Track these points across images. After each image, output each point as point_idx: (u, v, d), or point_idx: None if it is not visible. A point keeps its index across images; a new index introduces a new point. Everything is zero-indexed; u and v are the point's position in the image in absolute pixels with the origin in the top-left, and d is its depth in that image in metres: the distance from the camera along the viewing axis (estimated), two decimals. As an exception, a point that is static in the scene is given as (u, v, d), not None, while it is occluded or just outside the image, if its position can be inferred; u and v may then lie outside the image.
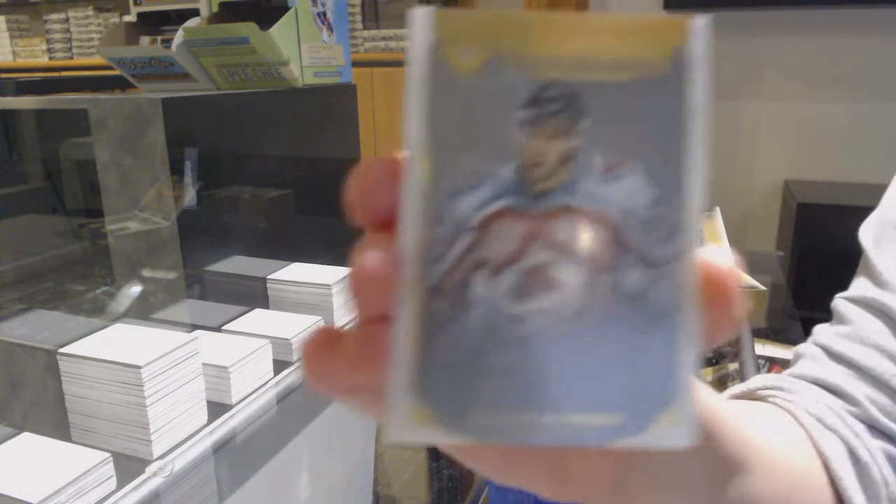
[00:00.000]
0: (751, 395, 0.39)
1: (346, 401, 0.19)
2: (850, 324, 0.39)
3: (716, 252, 0.17)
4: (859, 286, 0.40)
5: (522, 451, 0.22)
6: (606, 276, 0.16)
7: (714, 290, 0.17)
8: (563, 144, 0.16)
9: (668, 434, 0.17)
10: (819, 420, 0.36)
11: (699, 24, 0.16)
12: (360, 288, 0.16)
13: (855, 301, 0.40)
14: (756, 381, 0.40)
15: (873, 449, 0.35)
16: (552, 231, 0.16)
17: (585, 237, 0.16)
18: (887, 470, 0.36)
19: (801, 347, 0.42)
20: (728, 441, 0.26)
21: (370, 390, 0.18)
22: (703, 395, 0.25)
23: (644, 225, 0.16)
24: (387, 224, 0.16)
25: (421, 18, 0.15)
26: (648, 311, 0.16)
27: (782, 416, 0.36)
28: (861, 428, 0.36)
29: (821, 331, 0.41)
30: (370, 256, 0.16)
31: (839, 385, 0.37)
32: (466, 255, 0.16)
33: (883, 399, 0.36)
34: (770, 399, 0.38)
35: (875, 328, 0.37)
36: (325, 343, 0.18)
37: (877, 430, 0.36)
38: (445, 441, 0.16)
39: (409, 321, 0.16)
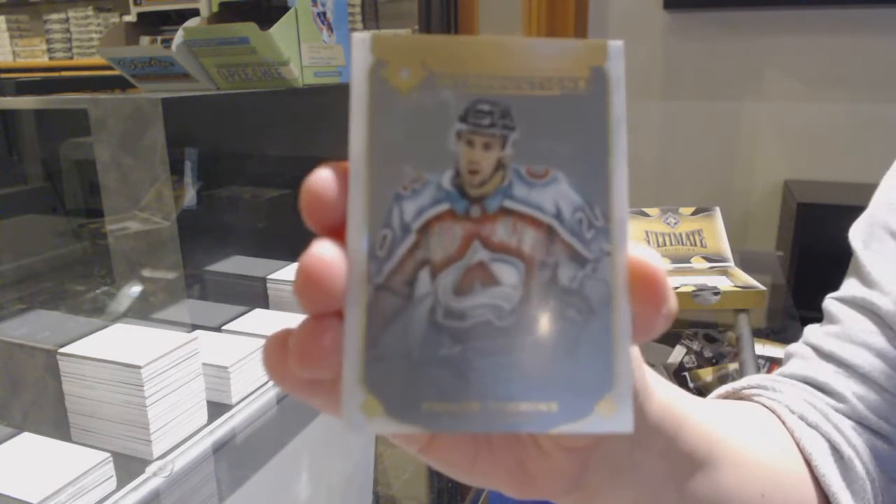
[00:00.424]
0: (736, 395, 0.40)
1: (303, 397, 0.19)
2: (840, 323, 0.39)
3: (645, 251, 0.18)
4: (849, 286, 0.41)
5: (485, 452, 0.23)
6: (541, 273, 0.18)
7: (643, 285, 0.18)
8: (496, 154, 0.17)
9: (607, 421, 0.17)
10: (802, 418, 0.36)
11: (616, 46, 0.18)
12: (306, 286, 0.16)
13: (844, 301, 0.40)
14: (743, 380, 0.40)
15: (858, 445, 0.36)
16: (489, 232, 0.17)
17: (520, 237, 0.18)
18: (873, 466, 0.36)
19: (792, 347, 0.42)
20: (691, 437, 0.27)
21: (322, 385, 0.18)
22: (663, 391, 0.25)
23: (573, 226, 0.18)
24: (336, 229, 0.17)
25: (361, 41, 0.17)
26: (583, 305, 0.18)
27: (764, 415, 0.37)
28: (847, 425, 0.36)
29: (811, 331, 0.42)
30: (317, 256, 0.16)
31: (827, 382, 0.38)
32: (410, 255, 0.17)
33: (870, 395, 0.37)
34: (755, 398, 0.38)
35: (863, 327, 0.38)
36: (279, 340, 0.18)
37: (864, 426, 0.37)
38: (395, 431, 0.17)
39: (357, 317, 0.17)
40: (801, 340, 0.42)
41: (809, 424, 0.36)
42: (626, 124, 0.18)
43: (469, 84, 0.17)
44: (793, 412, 0.36)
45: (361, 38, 0.17)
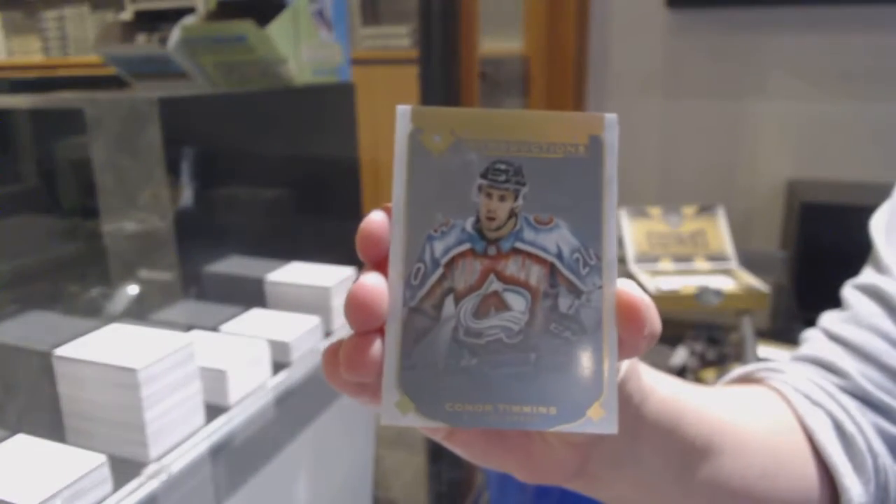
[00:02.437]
0: (745, 378, 0.42)
1: (352, 395, 0.24)
2: (850, 308, 0.42)
3: (630, 285, 0.23)
4: (865, 274, 0.43)
5: (497, 441, 0.27)
6: (544, 302, 0.22)
7: (628, 313, 0.22)
8: (510, 204, 0.22)
9: (596, 423, 0.22)
10: (806, 396, 0.38)
11: (611, 118, 0.22)
12: (355, 309, 0.21)
13: (858, 287, 0.42)
14: (752, 365, 0.43)
15: (862, 424, 0.37)
16: (503, 267, 0.22)
17: (528, 272, 0.22)
18: (877, 443, 0.37)
19: (807, 332, 0.45)
20: (691, 427, 0.30)
21: (367, 387, 0.23)
22: (666, 388, 0.29)
23: (572, 264, 0.22)
24: (381, 262, 0.22)
25: (403, 113, 0.21)
26: (578, 328, 0.22)
27: (769, 395, 0.39)
28: (852, 404, 0.38)
29: (826, 316, 0.44)
30: (365, 284, 0.21)
31: (833, 362, 0.40)
32: (439, 284, 0.22)
33: (875, 374, 0.38)
34: (763, 381, 0.41)
35: (872, 311, 0.40)
36: (332, 352, 0.23)
37: (868, 403, 0.38)
38: (423, 426, 0.22)
39: (395, 334, 0.21)
40: (816, 326, 0.44)
41: (814, 402, 0.38)
42: (618, 182, 0.22)
43: (489, 147, 0.22)
44: (797, 391, 0.38)
45: (403, 110, 0.21)
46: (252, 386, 0.73)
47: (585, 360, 0.22)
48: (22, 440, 0.57)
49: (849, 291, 0.43)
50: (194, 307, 0.80)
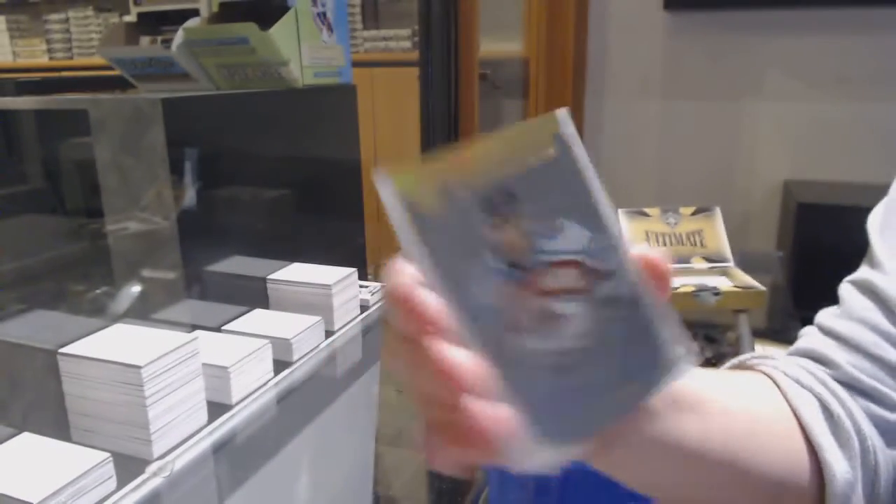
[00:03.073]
0: (741, 366, 0.43)
1: (462, 465, 0.24)
2: (844, 303, 0.42)
3: (644, 248, 0.25)
4: (861, 270, 0.44)
5: (615, 437, 0.28)
6: (590, 296, 0.23)
7: (654, 271, 0.24)
8: (519, 225, 0.22)
9: (683, 361, 0.25)
10: (796, 380, 0.39)
11: (562, 114, 0.23)
12: (456, 388, 0.21)
13: (852, 282, 0.43)
14: (747, 354, 0.44)
15: (850, 405, 0.38)
16: (542, 284, 0.22)
17: (564, 278, 0.23)
18: (867, 426, 0.37)
19: (803, 329, 0.45)
20: (682, 405, 0.32)
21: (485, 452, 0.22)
22: None
23: (594, 252, 0.23)
24: (424, 327, 0.22)
25: (384, 182, 0.21)
26: (625, 302, 0.24)
27: (760, 379, 0.40)
28: (841, 389, 0.38)
29: (821, 313, 0.45)
30: (460, 362, 0.21)
31: (824, 353, 0.40)
32: (500, 327, 0.22)
33: (864, 364, 0.39)
34: (756, 367, 0.42)
35: (863, 305, 0.41)
36: (434, 438, 0.23)
37: (859, 390, 0.39)
38: (569, 453, 0.23)
39: (502, 391, 0.21)
40: (813, 323, 0.45)
41: (802, 385, 0.38)
42: (595, 169, 0.23)
43: (475, 184, 0.22)
44: (787, 375, 0.39)
45: (383, 180, 0.21)
46: (254, 384, 0.73)
47: (645, 322, 0.24)
48: (27, 438, 0.58)
49: (844, 287, 0.44)
50: (197, 307, 0.81)
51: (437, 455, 0.23)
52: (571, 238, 0.23)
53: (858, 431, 0.37)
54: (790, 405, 0.37)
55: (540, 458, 0.22)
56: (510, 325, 0.22)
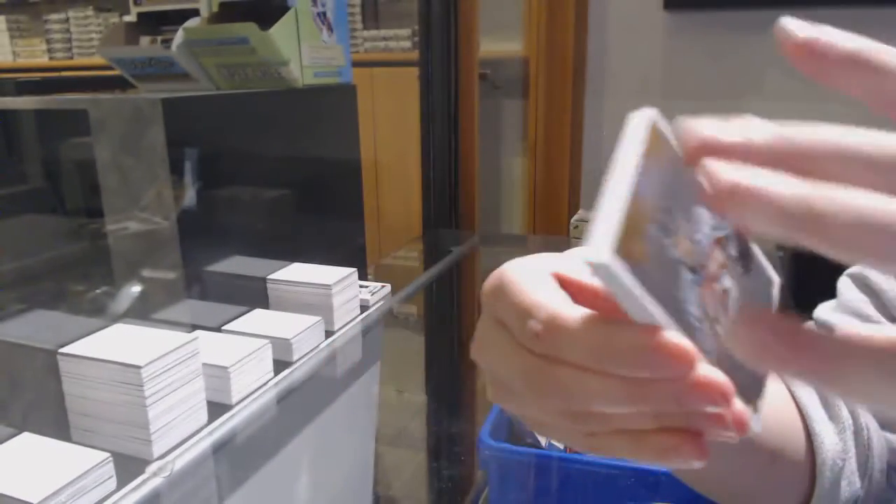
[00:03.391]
0: None
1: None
2: (841, 296, 0.44)
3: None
4: (858, 265, 0.45)
5: None
6: (729, 265, 0.24)
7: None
8: (679, 229, 0.22)
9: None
10: None
11: (643, 112, 0.25)
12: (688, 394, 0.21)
13: (849, 276, 0.45)
14: None
15: None
16: (712, 269, 0.23)
17: (717, 257, 0.23)
18: (861, 410, 0.38)
19: None
20: None
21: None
22: None
23: (717, 226, 0.23)
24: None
25: (598, 262, 0.20)
26: (744, 261, 0.25)
27: None
28: None
29: (819, 307, 0.46)
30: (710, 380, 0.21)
31: None
32: (712, 332, 0.23)
33: None
34: None
35: (856, 297, 0.42)
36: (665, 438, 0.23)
37: None
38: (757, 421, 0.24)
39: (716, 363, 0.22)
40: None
41: None
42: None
43: (649, 216, 0.21)
44: None
45: (598, 260, 0.20)
46: (254, 384, 0.73)
47: (760, 269, 0.27)
48: (27, 438, 0.58)
49: (842, 280, 0.45)
50: (197, 307, 0.81)
51: (681, 451, 0.22)
52: (703, 219, 0.23)
53: (852, 410, 0.38)
54: (785, 384, 0.39)
55: (756, 424, 0.23)
56: (713, 322, 0.23)
